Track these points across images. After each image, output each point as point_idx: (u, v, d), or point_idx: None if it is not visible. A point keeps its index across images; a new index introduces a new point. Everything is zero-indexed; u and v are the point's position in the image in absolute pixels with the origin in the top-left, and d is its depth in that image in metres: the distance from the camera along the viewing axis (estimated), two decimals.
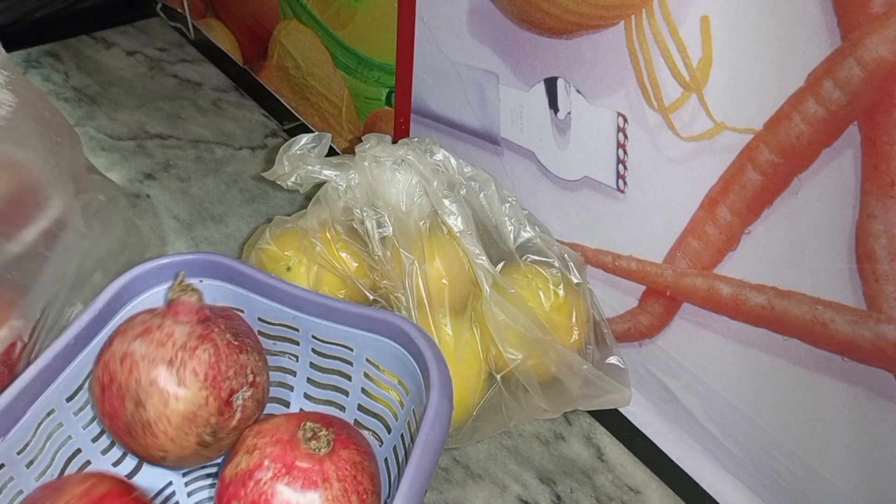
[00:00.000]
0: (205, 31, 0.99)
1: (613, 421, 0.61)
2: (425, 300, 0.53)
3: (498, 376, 0.55)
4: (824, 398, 0.44)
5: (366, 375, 0.49)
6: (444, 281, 0.54)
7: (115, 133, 0.85)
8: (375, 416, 0.51)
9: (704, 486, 0.56)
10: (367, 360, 0.48)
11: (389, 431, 0.50)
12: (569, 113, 0.53)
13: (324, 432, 0.41)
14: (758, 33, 0.39)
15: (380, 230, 0.54)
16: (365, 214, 0.55)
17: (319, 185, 0.57)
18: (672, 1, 0.42)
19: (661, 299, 0.52)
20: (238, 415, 0.44)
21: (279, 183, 0.56)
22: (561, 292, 0.56)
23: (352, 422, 0.51)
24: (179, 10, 1.01)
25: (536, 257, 0.57)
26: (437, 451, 0.41)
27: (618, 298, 0.56)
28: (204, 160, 0.83)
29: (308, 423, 0.42)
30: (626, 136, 0.49)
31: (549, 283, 0.56)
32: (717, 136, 0.44)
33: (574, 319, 0.56)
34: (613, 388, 0.56)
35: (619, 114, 0.49)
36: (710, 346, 0.50)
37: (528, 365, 0.52)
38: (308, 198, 0.58)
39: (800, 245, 0.42)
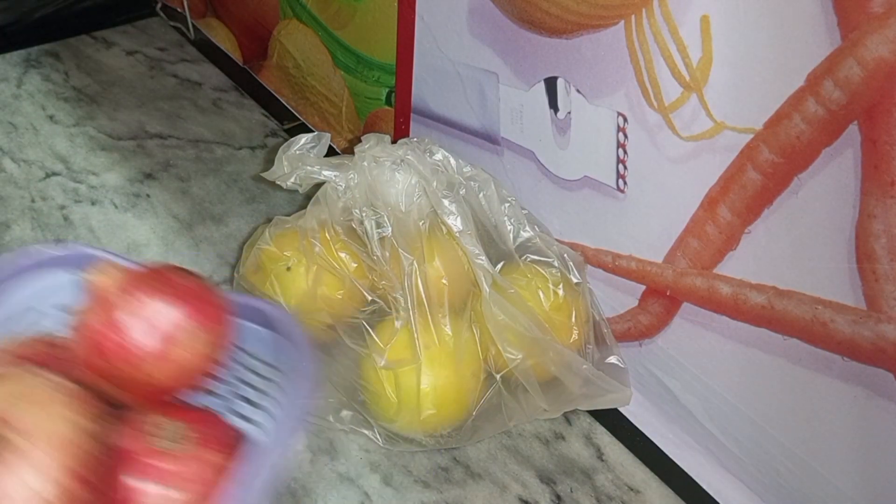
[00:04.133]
0: (205, 31, 0.99)
1: (613, 421, 0.61)
2: (424, 300, 0.53)
3: (498, 376, 0.55)
4: (824, 398, 0.44)
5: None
6: (443, 281, 0.54)
7: (114, 133, 0.85)
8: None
9: (704, 486, 0.56)
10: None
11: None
12: (569, 113, 0.53)
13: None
14: (758, 33, 0.39)
15: (379, 230, 0.54)
16: (364, 215, 0.55)
17: (319, 185, 0.57)
18: (672, 1, 0.42)
19: (661, 299, 0.52)
20: None
21: (279, 183, 0.56)
22: (560, 292, 0.56)
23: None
24: (179, 9, 1.01)
25: (536, 257, 0.57)
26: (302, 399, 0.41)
27: (618, 298, 0.56)
28: (204, 160, 0.83)
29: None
30: (626, 136, 0.49)
31: (549, 283, 0.56)
32: (717, 135, 0.44)
33: (574, 319, 0.56)
34: (613, 387, 0.56)
35: (619, 113, 0.49)
36: (710, 345, 0.50)
37: (527, 365, 0.52)
38: (308, 198, 0.58)
39: (800, 245, 0.42)
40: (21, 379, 0.38)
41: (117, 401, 0.42)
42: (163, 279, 0.43)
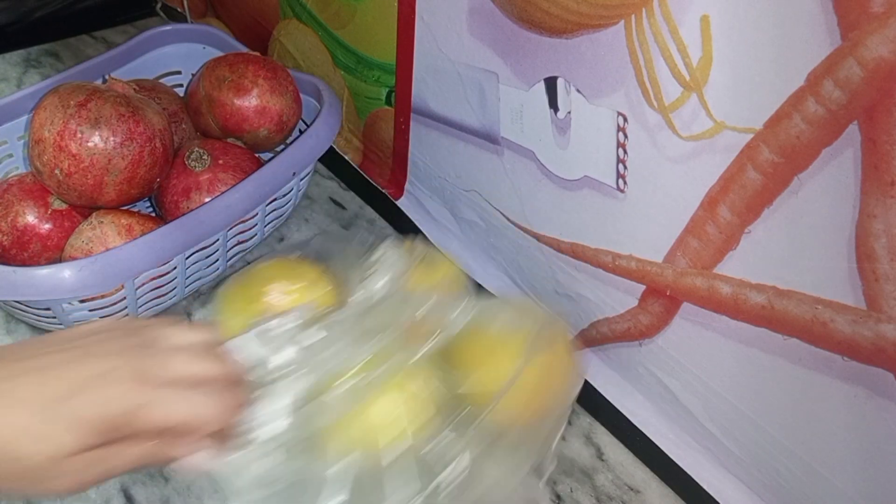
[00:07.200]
0: None
1: (613, 420, 0.61)
2: None
3: None
4: (824, 398, 0.44)
5: None
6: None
7: None
8: None
9: (704, 486, 0.56)
10: None
11: None
12: (569, 112, 0.53)
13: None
14: (758, 33, 0.39)
15: None
16: None
17: None
18: (672, 1, 0.42)
19: (661, 299, 0.52)
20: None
21: None
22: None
23: None
24: (179, 9, 1.01)
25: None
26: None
27: (618, 298, 0.56)
28: None
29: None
30: (626, 136, 0.49)
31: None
32: (717, 135, 0.44)
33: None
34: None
35: (619, 113, 0.49)
36: (710, 345, 0.50)
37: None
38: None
39: (800, 245, 0.42)
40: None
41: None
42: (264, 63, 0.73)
